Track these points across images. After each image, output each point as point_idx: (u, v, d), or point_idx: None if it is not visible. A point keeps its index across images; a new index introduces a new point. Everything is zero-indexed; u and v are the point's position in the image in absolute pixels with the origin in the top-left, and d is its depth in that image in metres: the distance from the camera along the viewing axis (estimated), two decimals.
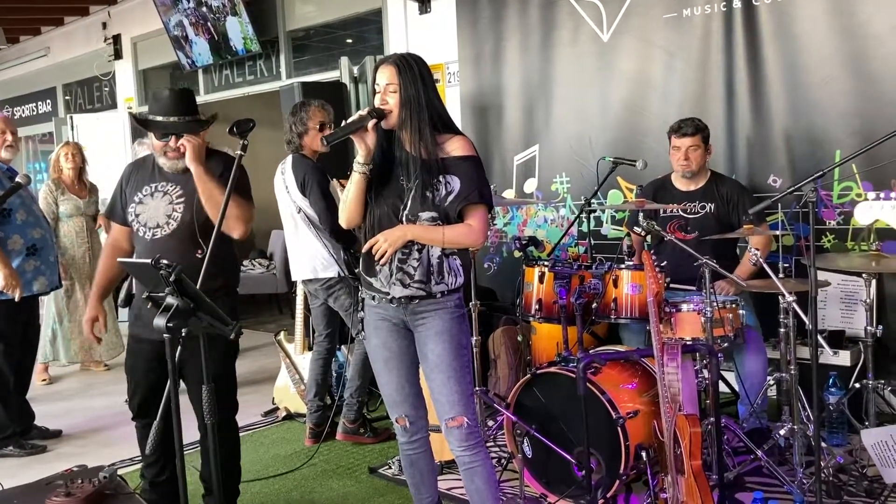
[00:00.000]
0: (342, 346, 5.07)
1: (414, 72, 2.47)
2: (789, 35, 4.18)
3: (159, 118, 2.82)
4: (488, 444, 3.77)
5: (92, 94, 9.56)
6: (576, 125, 5.04)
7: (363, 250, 2.59)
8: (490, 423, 3.95)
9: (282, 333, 4.76)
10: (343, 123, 2.51)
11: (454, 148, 2.52)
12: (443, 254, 2.54)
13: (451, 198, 2.49)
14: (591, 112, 4.94)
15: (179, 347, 2.25)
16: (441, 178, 2.49)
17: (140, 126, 2.92)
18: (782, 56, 4.22)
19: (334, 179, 4.25)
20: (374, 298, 2.60)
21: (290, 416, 4.63)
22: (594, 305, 3.52)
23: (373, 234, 2.51)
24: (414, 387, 2.65)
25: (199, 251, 2.93)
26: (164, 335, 2.11)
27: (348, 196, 2.54)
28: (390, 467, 3.75)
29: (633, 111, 4.79)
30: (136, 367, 2.96)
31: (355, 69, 5.86)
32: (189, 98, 2.90)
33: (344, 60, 5.87)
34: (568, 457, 3.12)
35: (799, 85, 4.18)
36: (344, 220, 2.60)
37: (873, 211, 1.63)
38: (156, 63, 8.55)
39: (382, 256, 2.45)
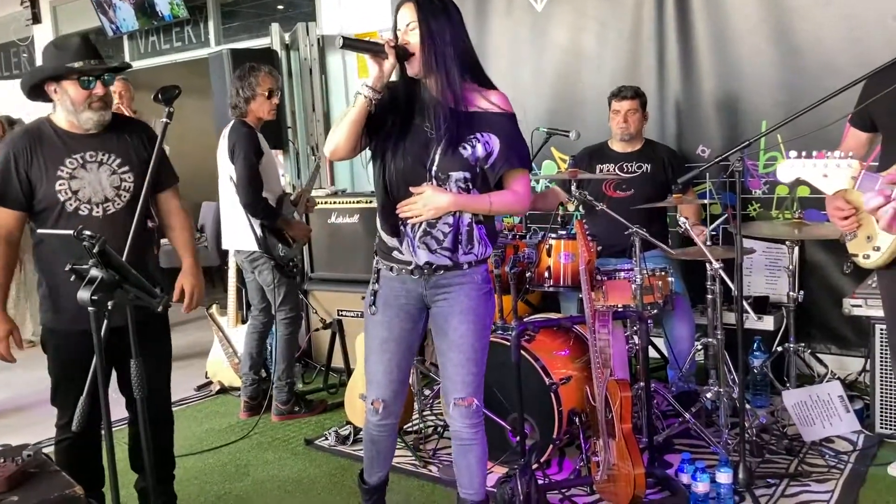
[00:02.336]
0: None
1: (436, 6, 2.24)
2: (718, 7, 4.25)
3: (77, 65, 2.52)
4: (425, 413, 3.80)
5: (9, 60, 9.13)
6: (510, 95, 4.98)
7: (379, 211, 2.38)
8: (427, 392, 3.98)
9: (214, 307, 4.67)
10: (365, 41, 2.31)
11: (492, 102, 2.33)
12: (473, 220, 2.35)
13: (491, 160, 2.31)
14: (525, 82, 4.94)
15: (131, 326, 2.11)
16: (478, 135, 2.30)
17: (52, 80, 2.55)
18: (711, 28, 4.29)
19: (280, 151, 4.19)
20: (391, 269, 2.41)
21: (223, 390, 4.58)
22: (528, 274, 3.56)
23: (397, 190, 2.30)
24: (402, 373, 2.49)
25: (151, 221, 2.84)
26: (90, 308, 2.04)
27: (342, 119, 2.28)
28: (327, 438, 3.75)
29: (567, 82, 4.81)
30: (70, 369, 2.57)
31: (286, 36, 5.74)
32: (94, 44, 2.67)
33: (275, 27, 5.73)
34: (503, 423, 3.16)
35: (727, 56, 4.26)
36: (330, 146, 2.31)
37: (794, 169, 1.67)
38: (77, 28, 8.18)
39: (411, 215, 2.28)
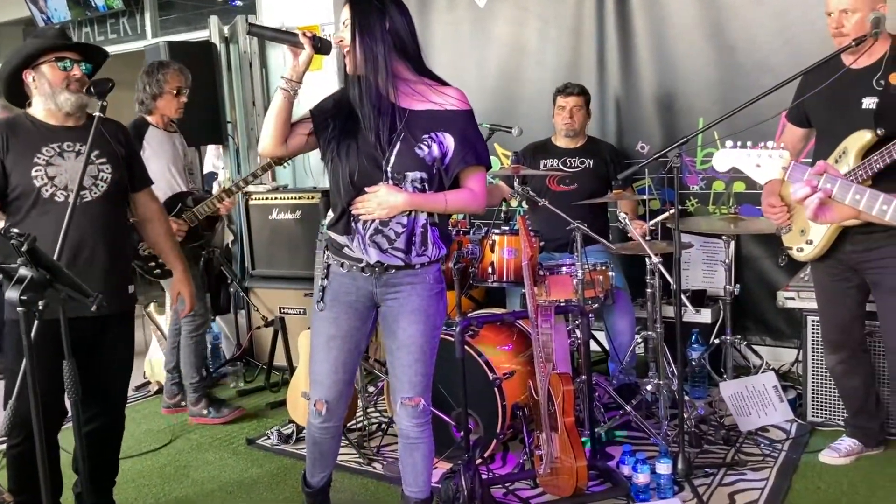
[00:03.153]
0: (216, 317, 4.94)
1: (371, 4, 2.22)
2: (657, 6, 4.32)
3: (59, 41, 2.55)
4: (369, 410, 3.78)
5: None
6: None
7: (333, 210, 2.36)
8: (371, 388, 3.96)
9: (152, 305, 4.57)
10: (278, 29, 2.31)
11: (448, 98, 2.30)
12: (428, 222, 2.33)
13: (447, 160, 2.28)
14: (468, 78, 4.94)
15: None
16: (433, 135, 2.27)
17: (32, 58, 2.52)
18: (650, 26, 4.36)
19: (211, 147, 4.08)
20: (342, 265, 2.37)
21: (162, 391, 4.47)
22: (472, 270, 3.56)
23: (353, 189, 2.26)
24: (347, 374, 2.44)
25: (132, 215, 2.80)
26: (19, 309, 1.97)
27: (268, 117, 2.28)
28: (269, 437, 3.70)
29: (510, 78, 4.83)
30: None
31: (226, 29, 5.62)
32: None
33: (213, 19, 5.60)
34: (447, 418, 3.16)
35: (665, 55, 4.33)
36: (261, 145, 2.32)
37: (730, 159, 1.71)
38: (6, 18, 7.90)
39: (364, 213, 2.25)
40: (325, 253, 2.44)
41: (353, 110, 2.29)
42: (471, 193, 2.34)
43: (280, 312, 4.60)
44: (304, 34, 2.26)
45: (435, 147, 2.27)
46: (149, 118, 3.78)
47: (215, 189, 5.32)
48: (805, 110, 2.95)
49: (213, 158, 6.07)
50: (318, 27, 5.56)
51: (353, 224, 2.31)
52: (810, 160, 2.94)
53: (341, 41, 2.25)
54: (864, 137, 2.71)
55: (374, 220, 2.28)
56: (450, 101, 2.31)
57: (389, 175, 2.27)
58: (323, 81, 5.53)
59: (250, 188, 4.85)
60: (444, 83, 2.35)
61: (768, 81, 2.91)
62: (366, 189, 2.27)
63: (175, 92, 3.76)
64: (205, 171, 5.70)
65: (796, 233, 3.00)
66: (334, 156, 2.31)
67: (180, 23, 6.62)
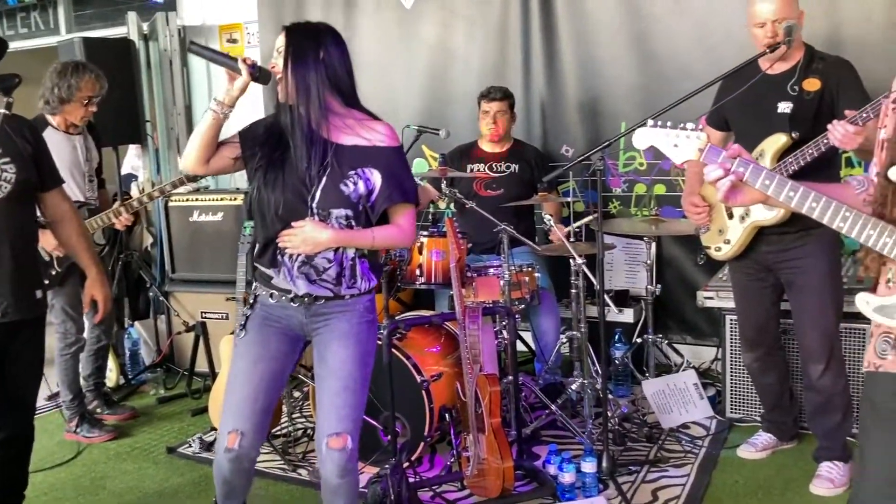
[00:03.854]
0: (135, 323, 4.79)
1: (307, 33, 2.20)
2: (581, 11, 4.38)
3: None
4: (294, 416, 3.72)
5: None
6: (380, 93, 4.99)
7: (258, 240, 2.30)
8: (297, 393, 3.89)
9: None
10: (217, 51, 2.26)
11: (376, 134, 2.26)
12: (357, 255, 2.28)
13: (373, 197, 2.24)
14: (395, 80, 4.93)
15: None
16: (360, 171, 2.22)
17: None
18: (574, 31, 4.42)
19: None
20: (271, 297, 2.30)
21: None
22: (399, 272, 3.54)
23: (277, 223, 2.21)
24: (268, 402, 2.27)
25: (42, 216, 2.66)
26: None
27: (194, 135, 2.24)
28: (190, 445, 3.59)
29: (437, 79, 4.83)
30: None
31: (145, 26, 5.46)
32: None
33: (132, 16, 5.43)
34: (374, 422, 3.13)
35: (589, 59, 4.40)
36: (183, 161, 2.28)
37: (649, 137, 1.73)
38: None
39: (290, 248, 2.20)
40: (249, 265, 2.37)
41: (283, 139, 2.24)
42: (399, 230, 2.31)
43: (202, 317, 4.48)
44: (244, 60, 2.20)
45: (361, 184, 2.23)
46: (50, 118, 3.59)
47: (134, 191, 5.16)
48: (724, 114, 3.04)
49: (134, 159, 5.88)
50: (240, 25, 5.46)
51: (279, 257, 2.26)
52: None
53: (274, 67, 2.22)
54: (779, 140, 2.81)
55: (301, 255, 2.23)
56: (378, 136, 2.26)
57: (314, 211, 2.22)
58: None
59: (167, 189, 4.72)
60: (374, 117, 2.32)
61: (689, 87, 2.97)
62: (292, 224, 2.22)
63: (86, 101, 3.56)
64: (123, 173, 5.52)
65: (714, 232, 3.09)
66: (260, 185, 2.26)
67: (96, 19, 6.38)
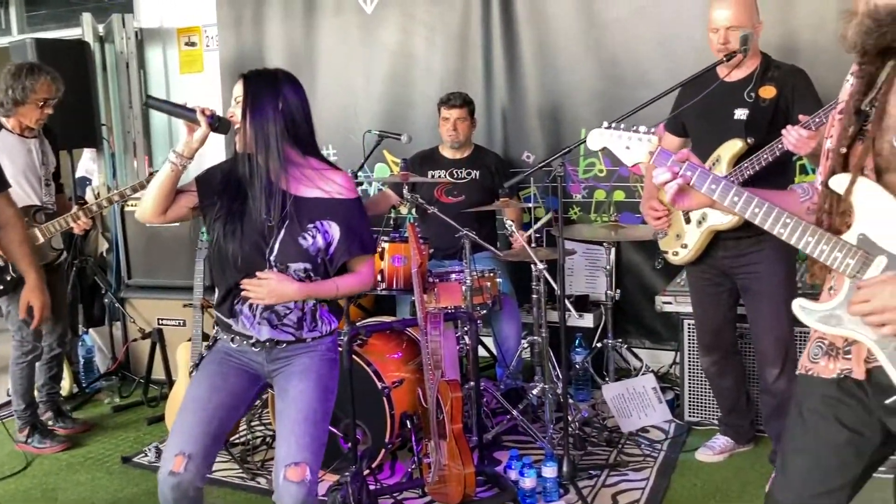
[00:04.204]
0: (89, 330, 4.69)
1: (265, 81, 2.18)
2: (541, 17, 4.41)
3: None
4: (253, 424, 3.67)
5: None
6: (341, 97, 4.98)
7: (217, 288, 2.29)
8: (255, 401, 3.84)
9: None
10: (176, 104, 2.23)
11: (335, 185, 2.24)
12: (317, 302, 2.28)
13: (331, 250, 2.23)
14: (356, 84, 4.91)
15: None
16: (318, 224, 2.21)
17: None
18: (535, 37, 4.44)
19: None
20: (233, 341, 2.28)
21: None
22: None
23: (234, 274, 2.22)
24: (220, 431, 2.20)
25: None
26: None
27: (152, 185, 2.22)
28: (146, 454, 3.52)
29: (398, 84, 4.82)
30: None
31: (100, 27, 5.36)
32: None
33: (87, 17, 5.32)
34: (334, 430, 3.10)
35: (550, 65, 4.42)
36: (140, 211, 2.27)
37: (602, 139, 1.74)
38: None
39: (253, 297, 2.18)
40: (206, 270, 2.35)
41: (241, 189, 2.23)
42: (359, 278, 2.31)
43: (158, 324, 4.41)
44: (202, 111, 2.18)
45: (320, 237, 2.23)
46: (4, 121, 3.50)
47: (88, 195, 5.06)
48: (682, 120, 3.09)
49: (88, 162, 5.77)
50: (199, 28, 5.39)
51: (237, 305, 2.25)
52: None
53: (232, 117, 2.20)
54: (736, 146, 2.86)
55: (260, 305, 2.23)
56: (336, 188, 2.25)
57: (272, 264, 2.21)
58: (203, 82, 5.38)
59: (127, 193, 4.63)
60: (331, 165, 2.31)
61: (648, 93, 3.01)
62: (257, 274, 2.20)
63: (41, 103, 3.48)
64: (77, 176, 5.41)
65: (672, 237, 3.13)
66: (220, 236, 2.24)
67: (50, 19, 6.25)
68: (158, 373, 4.27)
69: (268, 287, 2.18)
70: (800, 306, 1.56)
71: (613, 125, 1.73)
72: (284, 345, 2.27)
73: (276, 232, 2.20)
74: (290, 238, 2.20)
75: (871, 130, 1.49)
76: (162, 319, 4.43)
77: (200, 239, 3.47)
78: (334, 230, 2.24)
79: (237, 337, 2.28)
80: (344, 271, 2.33)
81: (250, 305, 2.24)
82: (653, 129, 1.68)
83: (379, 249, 3.48)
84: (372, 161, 4.70)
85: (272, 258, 2.21)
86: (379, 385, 3.07)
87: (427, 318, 2.86)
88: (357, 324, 3.44)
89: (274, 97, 2.17)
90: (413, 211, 3.56)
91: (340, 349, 2.86)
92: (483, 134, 4.55)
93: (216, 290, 2.33)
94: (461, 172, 4.13)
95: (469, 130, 4.14)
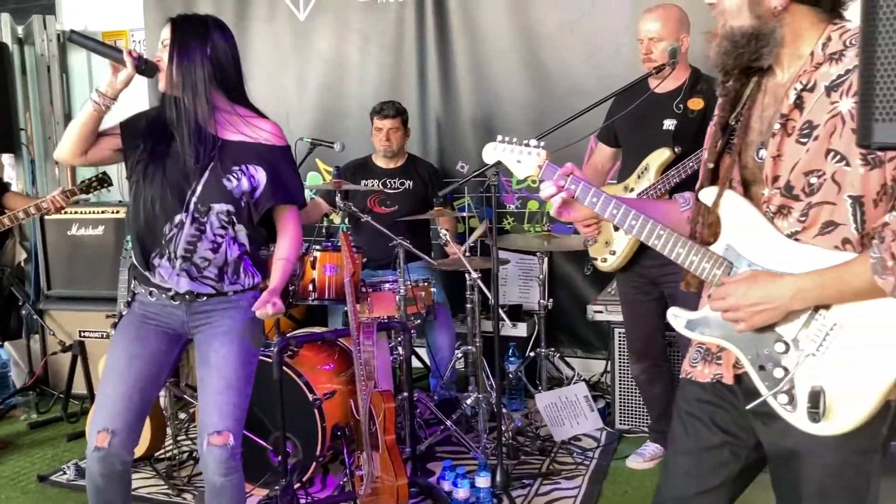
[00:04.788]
0: (4, 343, 4.49)
1: (193, 26, 2.15)
2: (475, 29, 4.43)
3: None
4: (179, 438, 3.56)
5: None
6: (273, 104, 4.85)
7: (134, 239, 2.21)
8: (182, 415, 3.73)
9: None
10: (102, 42, 2.17)
11: (263, 133, 2.23)
12: (239, 254, 2.23)
13: (257, 194, 2.20)
14: (289, 91, 4.84)
15: None
16: (244, 167, 2.18)
17: None
18: (468, 47, 4.46)
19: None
20: (151, 294, 2.22)
21: None
22: (292, 288, 3.45)
23: (149, 217, 2.17)
24: (143, 403, 2.19)
25: None
26: None
27: (72, 124, 2.18)
28: (65, 472, 3.38)
29: (331, 92, 4.78)
30: None
31: (20, 29, 5.16)
32: None
33: (5, 18, 5.12)
34: (264, 443, 3.03)
35: (483, 76, 4.45)
36: (59, 150, 2.21)
37: (496, 153, 1.79)
38: None
39: (170, 242, 2.14)
40: (130, 280, 2.29)
41: (167, 133, 2.19)
42: (294, 240, 2.32)
43: (79, 336, 4.24)
44: (129, 52, 2.14)
45: (245, 180, 2.20)
46: None
47: None
48: (614, 130, 3.15)
49: (7, 168, 5.53)
50: (126, 32, 5.24)
51: (154, 258, 2.20)
52: (615, 180, 3.13)
53: (160, 60, 2.16)
54: (663, 154, 2.92)
55: (179, 250, 2.18)
56: (264, 134, 2.25)
57: (192, 207, 2.17)
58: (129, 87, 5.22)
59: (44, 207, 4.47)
60: (260, 115, 2.30)
61: (580, 104, 3.05)
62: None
63: None
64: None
65: (601, 244, 3.17)
66: (140, 179, 2.20)
67: None
68: (79, 387, 4.12)
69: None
70: (673, 314, 1.62)
71: (507, 139, 1.76)
72: (205, 298, 2.23)
73: (200, 174, 2.17)
74: (213, 180, 2.17)
75: (736, 144, 1.56)
76: (84, 331, 4.27)
77: (125, 248, 3.36)
78: (260, 175, 2.22)
79: (155, 290, 2.22)
80: (268, 222, 2.30)
81: (169, 257, 2.18)
82: (542, 143, 1.72)
83: (310, 259, 3.42)
84: (304, 169, 4.63)
85: (194, 199, 2.17)
86: (310, 397, 3.01)
87: (360, 328, 2.82)
88: (288, 334, 3.37)
89: (202, 42, 2.15)
90: (346, 220, 3.52)
91: (270, 351, 2.82)
92: (417, 143, 4.54)
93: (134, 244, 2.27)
94: (394, 182, 4.11)
95: (402, 140, 4.12)
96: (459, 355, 3.85)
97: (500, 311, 3.21)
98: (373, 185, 4.08)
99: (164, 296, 2.22)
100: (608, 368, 3.79)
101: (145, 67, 2.15)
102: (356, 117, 4.62)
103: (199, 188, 2.17)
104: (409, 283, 3.43)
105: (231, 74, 2.21)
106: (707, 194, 1.57)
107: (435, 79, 4.55)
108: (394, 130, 4.05)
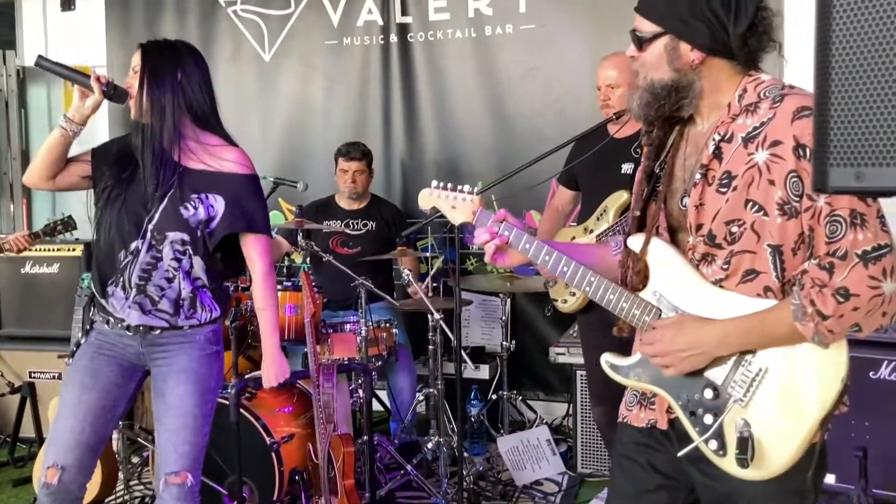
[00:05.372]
0: None
1: (164, 53, 2.15)
2: (439, 73, 4.49)
3: None
4: (132, 483, 3.45)
5: None
6: (237, 143, 4.88)
7: (94, 265, 2.20)
8: (135, 459, 3.62)
9: None
10: (69, 67, 2.15)
11: (226, 163, 2.20)
12: (195, 287, 2.19)
13: (213, 224, 2.17)
14: (253, 130, 4.82)
15: None
16: (202, 196, 2.15)
17: None
18: (433, 92, 4.51)
19: None
20: (108, 323, 2.19)
21: None
22: (251, 328, 3.40)
23: (106, 243, 2.17)
24: (95, 438, 2.15)
25: None
26: None
27: (41, 150, 2.18)
28: None
29: (296, 133, 4.78)
30: None
31: None
32: None
33: None
34: (219, 488, 2.95)
35: (447, 120, 4.49)
36: (27, 175, 2.22)
37: (431, 199, 1.80)
38: None
39: (124, 270, 2.12)
40: (90, 308, 2.27)
41: (132, 160, 2.18)
42: (264, 278, 2.28)
43: (30, 377, 4.12)
44: (97, 77, 2.13)
45: (201, 209, 2.18)
46: None
47: None
48: (575, 174, 3.18)
49: None
50: (87, 69, 5.18)
51: (109, 286, 2.17)
52: (575, 222, 3.16)
53: (130, 87, 2.16)
54: (621, 197, 2.96)
55: (133, 278, 2.15)
56: (227, 164, 2.22)
57: (149, 235, 2.15)
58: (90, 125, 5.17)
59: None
60: (230, 143, 2.28)
61: (542, 148, 3.09)
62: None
63: None
64: None
65: (561, 285, 3.17)
66: (103, 204, 2.20)
67: None
68: (28, 430, 3.97)
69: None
70: (604, 360, 1.63)
71: (441, 185, 1.77)
72: (159, 331, 2.18)
73: (160, 201, 2.15)
74: (171, 207, 2.15)
75: (661, 192, 1.60)
76: (34, 372, 4.14)
77: (80, 286, 3.28)
78: (219, 204, 2.19)
79: (112, 319, 2.19)
80: (233, 256, 2.26)
81: (123, 286, 2.15)
82: (475, 190, 1.74)
83: None
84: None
85: (151, 226, 2.15)
86: (268, 440, 2.95)
87: (320, 370, 2.78)
88: (245, 376, 3.31)
89: (173, 68, 2.15)
90: (307, 259, 3.49)
91: (227, 393, 2.76)
92: (381, 184, 4.54)
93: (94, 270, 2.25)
94: (357, 223, 4.10)
95: (367, 182, 4.12)
96: (421, 398, 3.81)
97: (463, 352, 3.19)
98: (335, 226, 4.07)
99: (118, 325, 2.19)
100: (570, 411, 3.78)
101: (114, 93, 2.14)
102: (320, 158, 4.62)
103: (157, 215, 2.16)
104: (370, 323, 3.40)
105: (201, 101, 2.20)
106: (635, 241, 1.60)
107: (399, 121, 4.58)
108: (360, 173, 4.05)
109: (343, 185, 4.08)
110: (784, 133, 1.40)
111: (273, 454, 2.93)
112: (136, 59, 2.17)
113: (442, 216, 3.00)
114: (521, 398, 4.15)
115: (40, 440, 3.83)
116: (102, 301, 2.19)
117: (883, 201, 1.32)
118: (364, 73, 4.62)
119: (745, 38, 1.46)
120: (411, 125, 4.57)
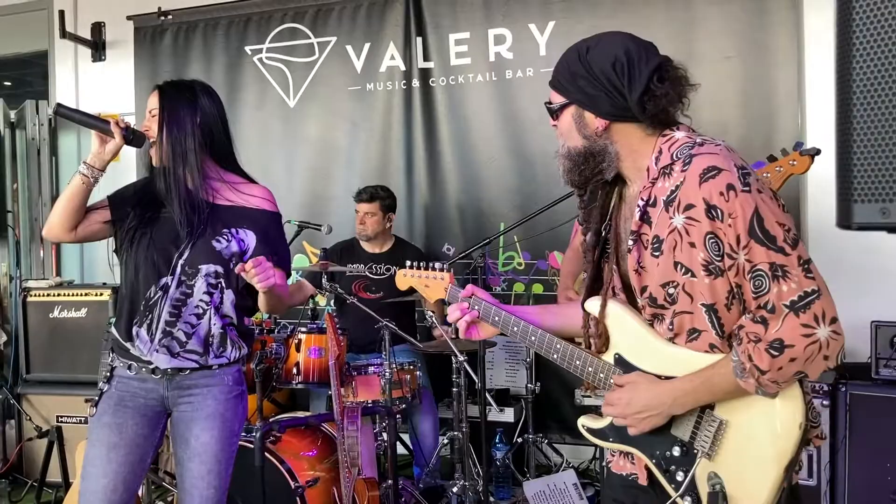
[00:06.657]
0: None
1: (182, 94, 2.15)
2: (461, 116, 4.53)
3: None
4: None
5: None
6: (256, 181, 4.95)
7: (119, 308, 2.19)
8: (160, 503, 3.61)
9: None
10: (88, 114, 2.16)
11: (253, 199, 2.23)
12: (226, 325, 2.18)
13: (246, 258, 2.16)
14: (278, 175, 4.89)
15: None
16: (233, 230, 2.17)
17: None
18: (455, 134, 4.55)
19: None
20: (130, 368, 2.15)
21: None
22: (275, 371, 3.41)
23: (133, 282, 2.15)
24: (128, 493, 2.13)
25: None
26: None
27: (60, 199, 2.15)
28: None
29: (319, 176, 4.84)
30: None
31: (12, 114, 5.23)
32: None
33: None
34: None
35: (469, 162, 4.53)
36: (47, 228, 2.17)
37: (406, 279, 1.91)
38: None
39: (153, 307, 2.10)
40: (109, 354, 2.22)
41: (155, 200, 2.18)
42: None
43: (57, 421, 4.15)
44: (116, 123, 2.13)
45: (234, 243, 2.19)
46: None
47: None
48: None
49: None
50: (116, 116, 5.30)
51: (135, 327, 2.15)
52: None
53: (148, 130, 2.16)
54: None
55: (163, 315, 2.13)
56: (254, 200, 2.24)
57: (179, 270, 2.14)
58: (119, 171, 5.27)
59: (30, 283, 4.45)
60: (250, 180, 2.30)
61: (563, 189, 3.08)
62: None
63: None
64: None
65: None
66: (128, 246, 2.18)
67: None
68: (54, 475, 3.99)
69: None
70: (581, 424, 1.66)
71: (414, 265, 1.87)
72: (188, 371, 2.16)
73: (190, 238, 2.14)
74: (202, 242, 2.15)
75: (611, 253, 1.61)
76: (61, 416, 4.17)
77: (107, 330, 3.32)
78: (250, 238, 2.21)
79: (134, 364, 2.16)
80: (251, 293, 2.25)
81: (148, 327, 2.13)
82: (445, 266, 1.78)
83: (295, 341, 3.39)
84: (291, 251, 4.65)
85: (181, 261, 2.14)
86: (292, 484, 2.93)
87: (344, 412, 2.77)
88: (270, 419, 3.31)
89: (191, 110, 2.14)
90: (331, 302, 3.50)
91: (253, 437, 2.75)
92: (405, 227, 4.57)
93: (119, 312, 2.22)
94: (380, 268, 4.09)
95: (378, 225, 4.10)
96: (445, 441, 3.78)
97: (487, 395, 3.17)
98: (359, 269, 4.07)
99: (143, 369, 2.15)
100: (597, 455, 3.72)
101: (133, 137, 2.14)
102: (344, 201, 4.66)
103: (188, 250, 2.15)
104: (394, 366, 3.39)
105: (221, 140, 2.22)
106: (592, 305, 1.61)
107: (422, 164, 4.62)
108: (370, 215, 4.06)
109: (356, 227, 4.11)
110: (695, 196, 1.41)
111: (298, 498, 2.91)
112: (154, 101, 2.16)
113: (466, 256, 3.04)
114: (546, 441, 4.10)
115: (66, 485, 3.84)
116: (127, 344, 2.16)
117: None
118: (387, 118, 4.69)
119: (642, 103, 1.47)
120: (433, 168, 4.61)
